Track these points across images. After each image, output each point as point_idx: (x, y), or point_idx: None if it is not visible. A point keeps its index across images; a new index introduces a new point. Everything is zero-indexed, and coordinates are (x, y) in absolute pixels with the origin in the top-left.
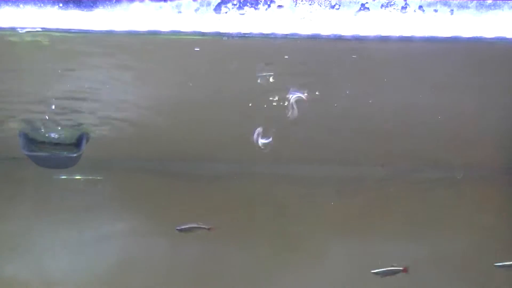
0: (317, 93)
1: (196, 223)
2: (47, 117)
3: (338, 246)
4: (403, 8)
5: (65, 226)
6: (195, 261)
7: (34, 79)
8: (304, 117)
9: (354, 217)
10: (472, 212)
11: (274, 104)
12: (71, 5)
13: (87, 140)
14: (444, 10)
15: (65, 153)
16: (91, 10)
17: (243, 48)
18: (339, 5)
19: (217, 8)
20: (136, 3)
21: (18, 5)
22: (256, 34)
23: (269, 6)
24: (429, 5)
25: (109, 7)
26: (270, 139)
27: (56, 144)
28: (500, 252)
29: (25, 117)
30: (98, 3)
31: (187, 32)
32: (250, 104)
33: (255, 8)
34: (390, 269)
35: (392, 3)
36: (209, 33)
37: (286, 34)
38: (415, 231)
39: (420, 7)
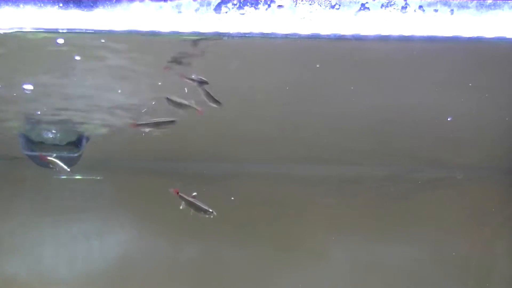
0: (317, 93)
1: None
2: (47, 117)
3: (338, 246)
4: (403, 8)
5: (65, 225)
6: (195, 260)
7: (34, 79)
8: (304, 117)
9: (354, 217)
10: (472, 212)
11: (274, 104)
12: (71, 5)
13: (87, 140)
14: (444, 10)
15: (65, 153)
16: (91, 10)
17: (243, 48)
18: (339, 5)
19: (217, 8)
20: (136, 3)
21: (18, 5)
22: (256, 34)
23: (269, 6)
24: (429, 5)
25: (109, 7)
26: None
27: (56, 144)
28: (500, 252)
29: (25, 117)
30: (98, 3)
31: (187, 32)
32: (250, 104)
33: (255, 8)
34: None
35: (392, 3)
36: (209, 33)
37: (286, 34)
38: (415, 231)
39: (420, 7)
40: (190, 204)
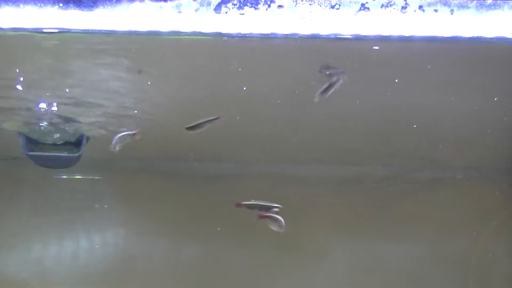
0: (317, 93)
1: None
2: (47, 117)
3: (338, 246)
4: (403, 8)
5: (65, 226)
6: (195, 261)
7: (34, 79)
8: (304, 117)
9: (354, 217)
10: (472, 212)
11: (274, 104)
12: (71, 5)
13: (87, 140)
14: (444, 10)
15: (65, 153)
16: (91, 10)
17: (243, 48)
18: (339, 5)
19: (217, 8)
20: (136, 3)
21: (18, 5)
22: (256, 34)
23: (269, 6)
24: (429, 5)
25: (109, 7)
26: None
27: (56, 144)
28: (500, 252)
29: (25, 117)
30: (98, 3)
31: (187, 32)
32: (250, 104)
33: (255, 8)
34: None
35: (392, 3)
36: (209, 33)
37: (286, 34)
38: (415, 231)
39: (420, 7)
40: (255, 207)
